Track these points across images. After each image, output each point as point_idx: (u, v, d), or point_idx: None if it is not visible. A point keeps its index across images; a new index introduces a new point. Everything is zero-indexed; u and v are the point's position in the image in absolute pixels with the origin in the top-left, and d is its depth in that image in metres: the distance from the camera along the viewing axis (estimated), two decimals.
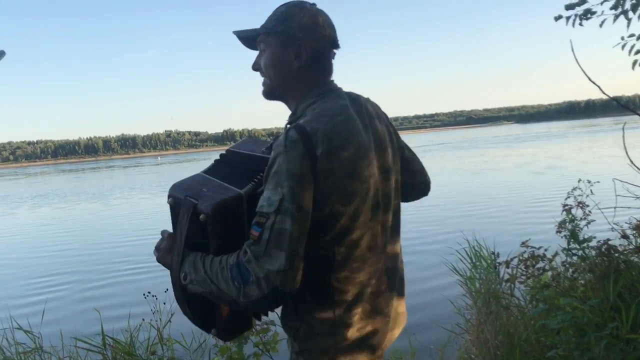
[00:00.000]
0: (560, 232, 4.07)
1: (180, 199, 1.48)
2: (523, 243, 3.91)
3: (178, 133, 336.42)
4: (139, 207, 20.90)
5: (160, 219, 16.89)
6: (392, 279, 1.53)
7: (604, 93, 3.10)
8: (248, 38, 1.57)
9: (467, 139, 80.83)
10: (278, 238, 1.27)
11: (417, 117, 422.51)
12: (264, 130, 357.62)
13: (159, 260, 1.55)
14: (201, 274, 1.36)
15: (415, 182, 1.79)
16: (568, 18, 3.72)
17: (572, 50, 2.80)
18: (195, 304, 1.47)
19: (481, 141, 65.21)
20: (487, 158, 33.05)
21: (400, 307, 1.58)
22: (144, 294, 3.95)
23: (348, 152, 1.36)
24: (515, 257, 3.88)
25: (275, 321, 3.70)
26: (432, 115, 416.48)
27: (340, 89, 1.53)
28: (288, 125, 1.44)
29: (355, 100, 1.51)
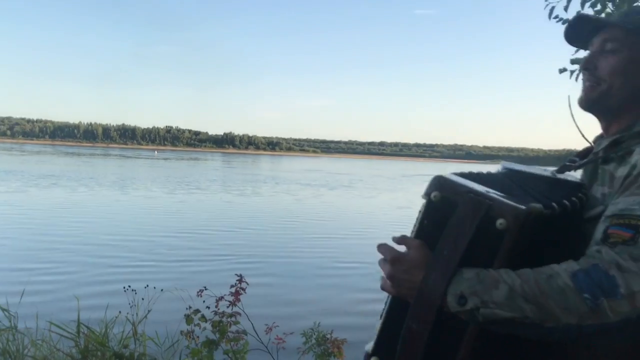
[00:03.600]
0: None
1: (460, 194, 1.07)
2: None
3: (178, 130, 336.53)
4: (149, 201, 21.03)
5: (152, 218, 16.96)
6: None
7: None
8: (584, 25, 1.31)
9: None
10: None
11: (418, 145, 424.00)
12: (264, 138, 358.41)
13: (393, 277, 1.11)
14: (504, 290, 0.94)
15: None
16: (572, 72, 3.80)
17: (570, 107, 2.83)
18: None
19: None
20: None
21: None
22: (124, 287, 3.99)
23: None
24: None
25: (247, 331, 3.75)
26: (432, 146, 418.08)
27: None
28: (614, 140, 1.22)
29: None
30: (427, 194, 1.12)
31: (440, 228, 1.07)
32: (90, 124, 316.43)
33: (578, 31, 1.32)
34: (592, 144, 1.37)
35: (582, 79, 1.30)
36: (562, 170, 1.29)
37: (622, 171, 1.12)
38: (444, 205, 1.09)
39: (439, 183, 1.11)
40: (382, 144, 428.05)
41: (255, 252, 11.49)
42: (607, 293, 0.89)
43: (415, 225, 1.16)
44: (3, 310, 3.67)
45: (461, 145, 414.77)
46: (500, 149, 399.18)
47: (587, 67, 1.27)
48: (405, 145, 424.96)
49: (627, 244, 0.94)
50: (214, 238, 13.09)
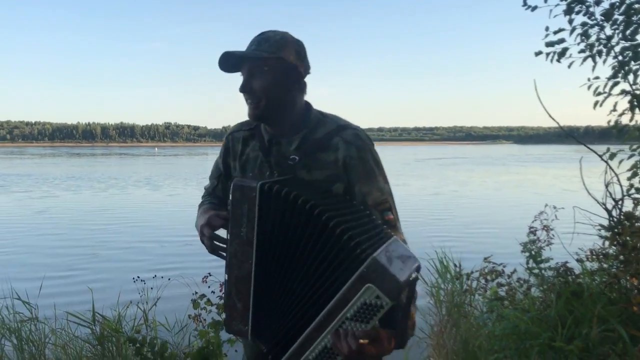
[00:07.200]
0: (524, 251, 4.43)
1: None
2: (485, 259, 4.25)
3: (177, 126, 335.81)
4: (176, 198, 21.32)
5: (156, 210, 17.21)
6: None
7: (560, 127, 3.45)
8: (238, 58, 1.66)
9: (462, 155, 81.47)
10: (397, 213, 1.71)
11: (417, 129, 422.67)
12: None
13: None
14: None
15: None
16: (548, 54, 4.03)
17: (536, 90, 3.15)
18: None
19: (471, 159, 66.06)
20: (474, 176, 33.87)
21: None
22: (133, 278, 4.23)
23: None
24: (477, 271, 4.22)
25: None
26: (431, 129, 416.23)
27: None
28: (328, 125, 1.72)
29: None
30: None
31: None
32: (89, 123, 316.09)
33: (229, 62, 1.67)
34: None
35: (245, 100, 1.70)
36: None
37: (331, 156, 1.66)
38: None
39: None
40: (380, 129, 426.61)
41: None
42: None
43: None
44: (24, 302, 3.94)
45: (461, 127, 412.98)
46: (500, 128, 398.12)
47: (244, 90, 1.67)
48: (404, 129, 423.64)
49: (396, 225, 1.66)
50: None
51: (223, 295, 1.60)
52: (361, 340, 1.29)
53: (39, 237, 12.30)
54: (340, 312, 1.33)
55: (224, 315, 1.63)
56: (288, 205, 1.45)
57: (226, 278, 1.56)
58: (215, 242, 1.66)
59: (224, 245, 1.61)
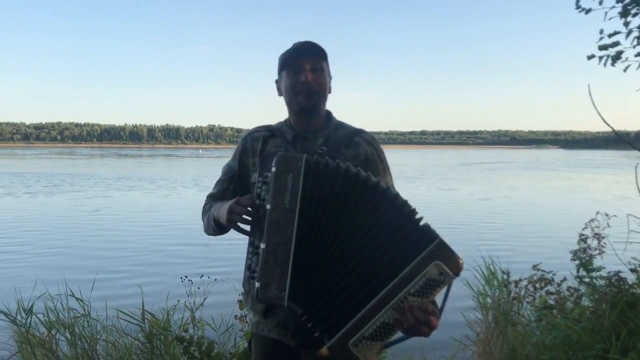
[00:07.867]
0: (574, 260, 4.32)
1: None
2: (534, 266, 4.17)
3: (221, 128, 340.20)
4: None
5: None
6: None
7: (615, 132, 3.35)
8: (316, 51, 1.86)
9: (506, 159, 79.94)
10: None
11: (461, 132, 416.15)
12: None
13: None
14: None
15: None
16: (601, 58, 3.92)
17: (590, 95, 3.07)
18: None
19: (517, 164, 64.75)
20: (522, 181, 33.13)
21: None
22: (181, 278, 4.31)
23: None
24: (525, 279, 4.14)
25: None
26: (475, 133, 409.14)
27: None
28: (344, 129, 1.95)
29: None
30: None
31: None
32: (135, 125, 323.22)
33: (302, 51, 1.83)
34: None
35: (298, 92, 1.82)
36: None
37: (353, 152, 1.85)
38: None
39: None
40: (423, 132, 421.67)
41: None
42: None
43: None
44: (78, 299, 4.06)
45: (505, 131, 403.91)
46: (546, 133, 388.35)
47: (315, 81, 1.81)
48: (447, 133, 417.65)
49: None
50: None
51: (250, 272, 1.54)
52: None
53: (92, 237, 12.69)
54: (405, 288, 1.42)
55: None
56: (339, 176, 1.54)
57: (263, 248, 1.53)
58: (246, 216, 1.66)
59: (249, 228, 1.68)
